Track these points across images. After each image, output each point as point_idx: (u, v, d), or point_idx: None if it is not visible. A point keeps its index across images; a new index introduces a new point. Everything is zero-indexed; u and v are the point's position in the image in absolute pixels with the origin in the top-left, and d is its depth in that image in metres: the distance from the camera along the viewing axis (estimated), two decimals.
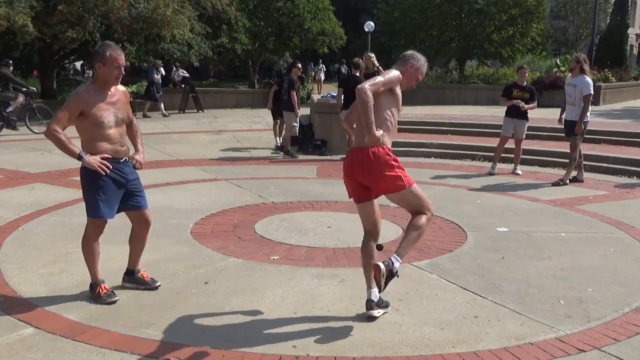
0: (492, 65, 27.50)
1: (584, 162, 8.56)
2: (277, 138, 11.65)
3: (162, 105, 17.43)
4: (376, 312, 3.79)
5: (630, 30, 38.46)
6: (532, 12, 24.99)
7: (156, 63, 18.17)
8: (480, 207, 6.96)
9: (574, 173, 8.45)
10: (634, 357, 3.38)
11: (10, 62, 13.74)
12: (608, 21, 35.31)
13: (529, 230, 5.95)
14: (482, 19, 25.09)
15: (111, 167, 3.85)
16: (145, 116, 16.71)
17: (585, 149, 10.56)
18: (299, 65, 12.02)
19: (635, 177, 8.92)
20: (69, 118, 3.81)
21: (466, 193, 7.79)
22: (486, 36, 25.15)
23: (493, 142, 11.16)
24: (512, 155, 9.31)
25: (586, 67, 8.15)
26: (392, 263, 3.48)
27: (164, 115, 17.03)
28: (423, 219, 3.66)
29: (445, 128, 12.82)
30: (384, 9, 27.67)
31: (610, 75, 20.50)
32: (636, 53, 45.65)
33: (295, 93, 10.69)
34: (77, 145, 3.87)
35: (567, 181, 8.26)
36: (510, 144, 9.32)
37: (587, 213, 6.69)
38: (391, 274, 3.48)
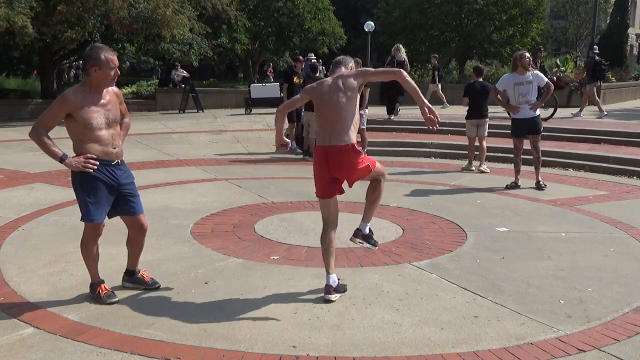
0: (494, 65, 27.47)
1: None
2: (293, 142, 11.26)
3: None
4: (333, 297, 4.07)
5: (630, 30, 38.42)
6: (532, 12, 25.01)
7: (309, 56, 18.17)
8: (480, 207, 6.96)
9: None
10: (634, 357, 3.38)
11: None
12: (608, 21, 35.30)
13: (529, 230, 5.95)
14: (482, 19, 25.09)
15: (98, 163, 3.80)
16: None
17: (585, 149, 10.58)
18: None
19: (635, 177, 8.92)
20: (53, 120, 3.81)
21: (466, 193, 7.79)
22: (486, 36, 25.15)
23: (493, 142, 11.16)
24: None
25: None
26: (362, 229, 4.23)
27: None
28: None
29: (445, 128, 12.79)
30: (384, 9, 27.64)
31: (610, 75, 20.47)
32: (636, 53, 45.61)
33: None
34: (61, 147, 3.86)
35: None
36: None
37: (587, 213, 6.69)
38: (366, 235, 4.24)
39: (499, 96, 8.33)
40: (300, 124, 11.71)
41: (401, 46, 14.21)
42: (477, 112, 9.51)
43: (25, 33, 13.18)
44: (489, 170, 9.36)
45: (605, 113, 14.54)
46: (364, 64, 13.32)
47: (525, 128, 8.02)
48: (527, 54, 8.10)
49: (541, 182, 8.10)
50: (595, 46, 18.23)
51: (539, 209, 6.92)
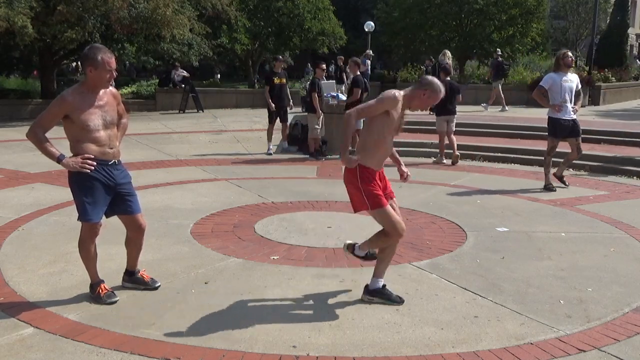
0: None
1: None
2: (269, 143, 11.11)
3: None
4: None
5: (630, 30, 38.40)
6: (532, 12, 25.00)
7: (367, 53, 18.16)
8: (480, 207, 6.96)
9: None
10: (634, 357, 3.38)
11: None
12: (608, 21, 35.25)
13: (529, 230, 5.95)
14: (482, 19, 25.10)
15: (95, 164, 3.80)
16: None
17: (585, 148, 10.54)
18: (323, 66, 11.51)
19: (635, 177, 8.91)
20: (51, 121, 3.81)
21: (466, 193, 7.78)
22: (486, 36, 25.15)
23: (492, 142, 11.18)
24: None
25: None
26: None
27: None
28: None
29: None
30: (384, 9, 27.65)
31: (610, 75, 20.46)
32: (636, 53, 45.57)
33: (317, 94, 10.66)
34: (60, 147, 3.86)
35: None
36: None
37: (587, 213, 6.69)
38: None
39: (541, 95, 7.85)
40: (299, 124, 11.71)
41: (448, 52, 15.69)
42: (446, 109, 9.95)
43: (25, 33, 13.18)
44: (449, 163, 9.92)
45: (507, 109, 16.03)
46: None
47: (566, 129, 7.77)
48: (570, 53, 7.89)
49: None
50: (498, 49, 19.51)
51: (539, 209, 6.92)
